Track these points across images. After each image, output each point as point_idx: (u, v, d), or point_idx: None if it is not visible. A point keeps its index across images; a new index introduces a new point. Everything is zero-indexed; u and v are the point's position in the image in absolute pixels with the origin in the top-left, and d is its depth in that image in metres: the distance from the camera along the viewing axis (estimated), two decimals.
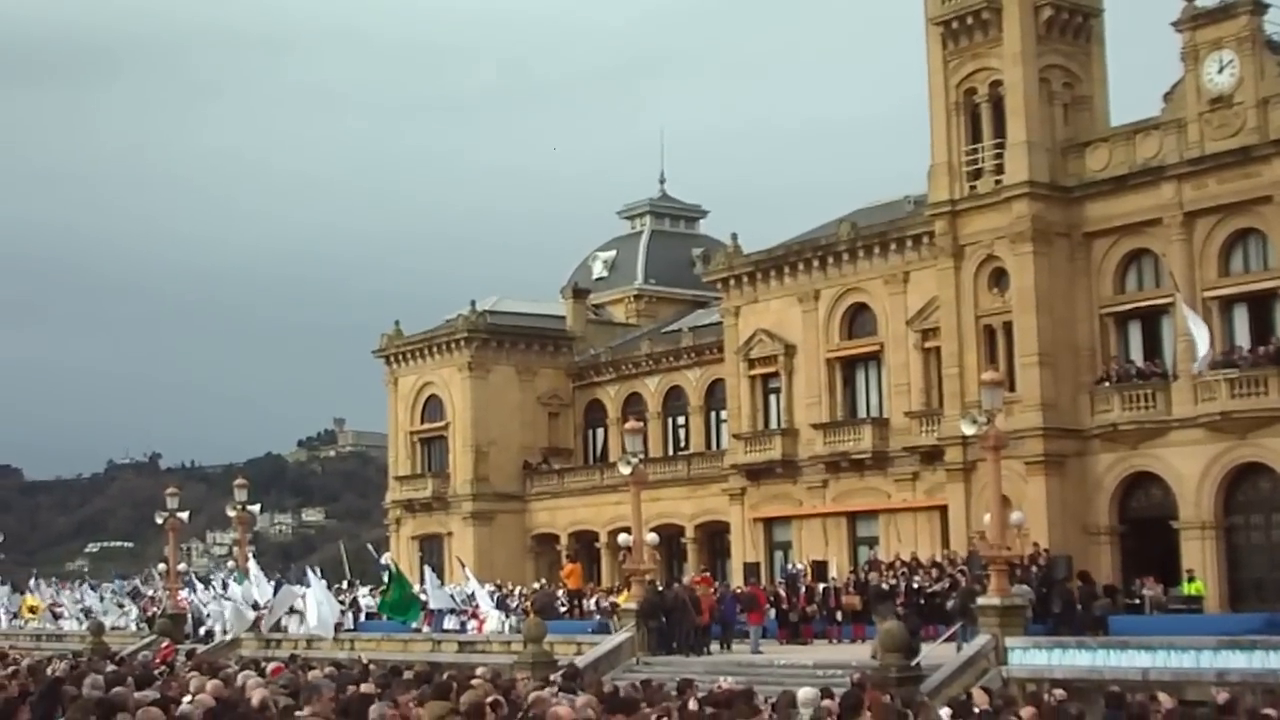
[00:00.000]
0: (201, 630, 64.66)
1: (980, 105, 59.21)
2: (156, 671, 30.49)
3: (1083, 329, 57.57)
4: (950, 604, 45.05)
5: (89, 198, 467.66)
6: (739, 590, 55.14)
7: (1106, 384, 56.51)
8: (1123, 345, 57.80)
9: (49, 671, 31.19)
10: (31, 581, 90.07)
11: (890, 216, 67.76)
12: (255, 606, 64.09)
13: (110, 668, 32.34)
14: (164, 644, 55.35)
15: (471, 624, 58.32)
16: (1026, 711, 20.88)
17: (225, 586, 68.23)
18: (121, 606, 79.00)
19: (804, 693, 18.48)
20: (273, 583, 67.70)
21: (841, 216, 69.84)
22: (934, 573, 50.84)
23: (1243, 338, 54.43)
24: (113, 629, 70.29)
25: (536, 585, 66.85)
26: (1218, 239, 54.54)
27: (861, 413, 67.71)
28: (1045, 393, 56.25)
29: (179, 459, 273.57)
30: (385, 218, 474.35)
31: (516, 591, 63.81)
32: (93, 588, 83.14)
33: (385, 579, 63.49)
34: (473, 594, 60.40)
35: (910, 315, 64.58)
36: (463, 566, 64.83)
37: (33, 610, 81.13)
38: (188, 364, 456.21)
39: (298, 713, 16.89)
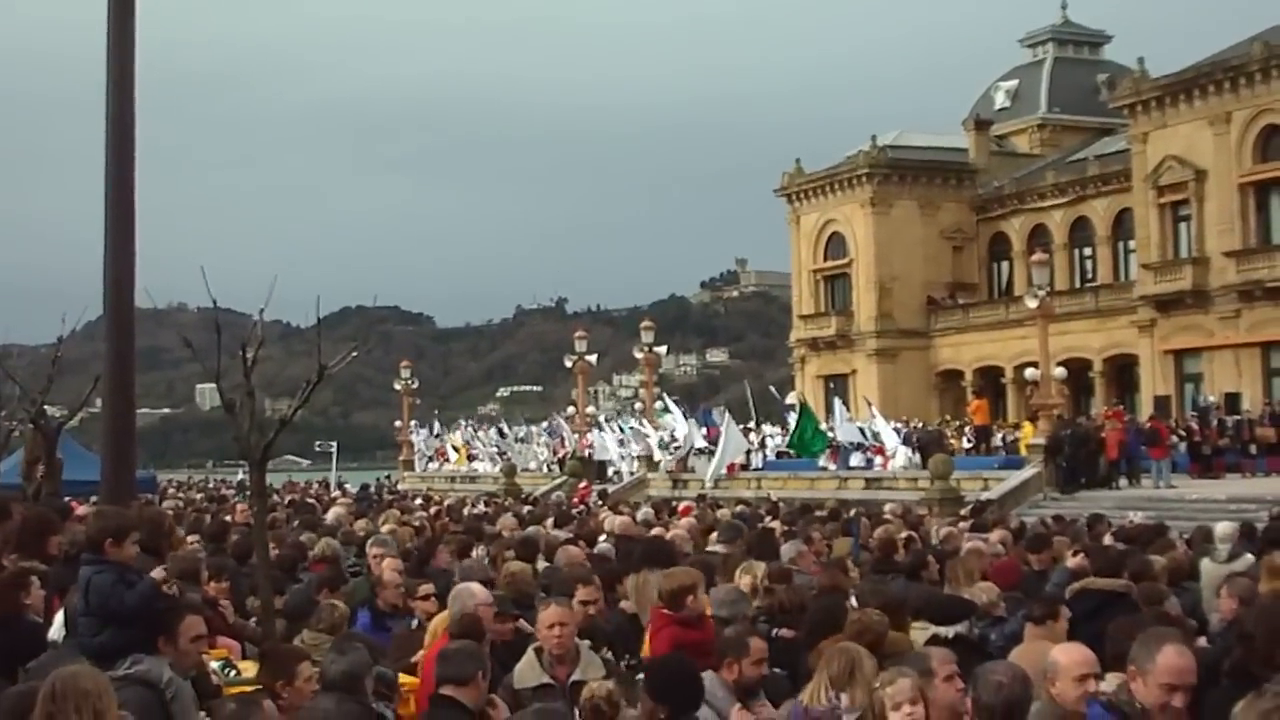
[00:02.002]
0: (610, 471, 66.01)
1: None
2: (574, 512, 31.51)
3: None
4: None
5: (494, 51, 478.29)
6: (1143, 425, 54.01)
7: None
8: None
9: (465, 512, 32.48)
10: (462, 424, 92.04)
11: None
12: (663, 446, 65.29)
13: (526, 508, 33.59)
14: (580, 485, 56.63)
15: (878, 460, 58.42)
16: None
17: (633, 428, 69.54)
18: (533, 448, 79.94)
19: (1222, 527, 18.02)
20: (688, 419, 68.14)
21: (1253, 35, 67.00)
22: None
23: None
24: (524, 470, 72.02)
25: (938, 422, 66.53)
26: None
27: (1277, 239, 65.22)
28: None
29: (584, 303, 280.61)
30: (782, 57, 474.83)
31: (921, 428, 63.60)
32: (501, 434, 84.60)
33: (792, 418, 63.86)
34: (879, 431, 60.38)
35: None
36: (869, 405, 64.79)
37: (451, 452, 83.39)
38: (591, 209, 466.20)
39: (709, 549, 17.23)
